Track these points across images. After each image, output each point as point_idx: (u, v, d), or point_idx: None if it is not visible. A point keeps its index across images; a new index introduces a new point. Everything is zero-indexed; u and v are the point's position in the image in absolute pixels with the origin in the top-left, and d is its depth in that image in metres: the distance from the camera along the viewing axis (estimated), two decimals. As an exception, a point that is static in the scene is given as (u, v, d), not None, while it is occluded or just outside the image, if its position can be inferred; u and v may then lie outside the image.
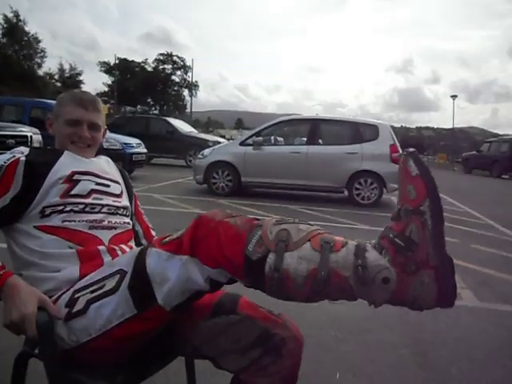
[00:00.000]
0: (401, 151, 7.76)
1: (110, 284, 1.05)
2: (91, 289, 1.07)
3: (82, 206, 1.25)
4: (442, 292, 0.92)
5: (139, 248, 1.12)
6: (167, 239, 1.05)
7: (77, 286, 1.11)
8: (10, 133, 5.77)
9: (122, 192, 1.44)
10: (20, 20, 42.21)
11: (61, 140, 1.39)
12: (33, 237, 1.21)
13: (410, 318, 2.63)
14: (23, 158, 1.24)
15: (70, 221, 1.23)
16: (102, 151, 1.50)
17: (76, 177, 1.29)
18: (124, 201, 1.43)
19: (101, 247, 1.24)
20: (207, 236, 0.99)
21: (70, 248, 1.20)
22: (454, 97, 35.51)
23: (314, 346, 2.24)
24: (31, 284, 1.08)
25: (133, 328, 1.03)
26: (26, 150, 1.30)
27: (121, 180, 1.48)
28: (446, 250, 0.93)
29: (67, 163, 1.30)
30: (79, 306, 1.06)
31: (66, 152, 1.34)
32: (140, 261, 1.03)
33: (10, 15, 41.43)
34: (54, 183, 1.24)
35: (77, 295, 1.08)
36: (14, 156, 1.24)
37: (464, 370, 2.08)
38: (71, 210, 1.23)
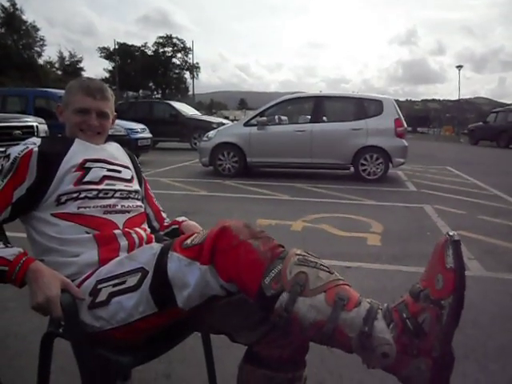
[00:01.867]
0: (405, 125, 7.73)
1: (132, 281, 1.11)
2: (113, 282, 1.13)
3: (95, 193, 1.30)
4: (433, 382, 0.94)
5: (160, 246, 1.17)
6: (188, 242, 1.10)
7: (99, 277, 1.17)
8: (16, 124, 5.80)
9: (132, 177, 1.49)
10: (17, 9, 41.83)
11: (70, 128, 1.43)
12: (51, 224, 1.26)
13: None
14: (36, 149, 1.28)
15: (85, 207, 1.28)
16: (109, 137, 1.53)
17: (88, 164, 1.33)
18: (135, 185, 1.48)
19: (116, 231, 1.29)
20: (227, 252, 1.04)
21: (87, 233, 1.25)
22: (459, 67, 34.86)
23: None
24: (54, 269, 1.14)
25: (152, 321, 1.11)
26: (37, 140, 1.33)
27: (131, 165, 1.53)
28: (451, 347, 0.94)
29: (78, 151, 1.34)
30: (102, 297, 1.12)
31: (76, 140, 1.38)
32: (161, 263, 1.09)
33: (7, 4, 41.09)
34: (67, 171, 1.29)
35: (99, 286, 1.14)
36: (28, 147, 1.28)
37: (469, 335, 2.14)
38: (85, 197, 1.28)
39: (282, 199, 5.97)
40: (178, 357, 1.84)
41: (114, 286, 1.12)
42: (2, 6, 40.85)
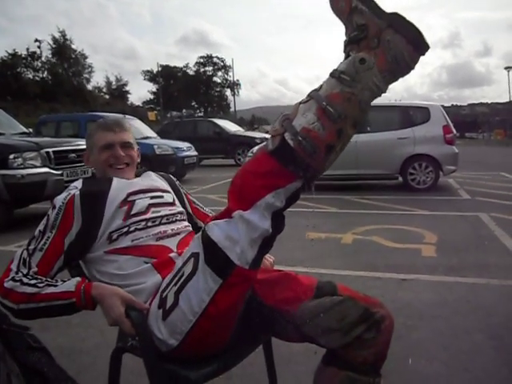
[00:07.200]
0: (454, 131, 7.50)
1: (188, 269, 1.10)
2: (174, 281, 1.14)
3: (143, 223, 1.34)
4: (407, 35, 0.99)
5: (200, 232, 1.16)
6: (217, 215, 1.11)
7: (161, 288, 1.19)
8: (70, 148, 6.04)
9: (174, 199, 1.52)
10: (67, 39, 44.38)
11: (100, 168, 1.47)
12: (109, 261, 1.30)
13: (479, 303, 2.58)
14: (77, 193, 1.33)
15: (138, 238, 1.32)
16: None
17: (131, 198, 1.38)
18: (178, 207, 1.51)
19: (172, 254, 1.31)
20: (243, 180, 1.06)
21: (146, 263, 1.29)
22: (508, 68, 33.57)
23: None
24: None
25: (224, 300, 1.07)
26: (79, 183, 1.39)
27: (169, 188, 1.56)
28: (386, 12, 1.01)
29: (120, 188, 1.38)
30: (170, 301, 1.12)
31: (115, 178, 1.42)
32: (205, 237, 1.08)
33: (58, 35, 43.65)
34: (116, 210, 1.33)
35: (164, 294, 1.15)
36: (70, 193, 1.33)
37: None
38: (135, 229, 1.33)
39: (329, 212, 5.91)
40: (238, 372, 1.84)
41: (176, 283, 1.12)
42: (54, 37, 43.47)
